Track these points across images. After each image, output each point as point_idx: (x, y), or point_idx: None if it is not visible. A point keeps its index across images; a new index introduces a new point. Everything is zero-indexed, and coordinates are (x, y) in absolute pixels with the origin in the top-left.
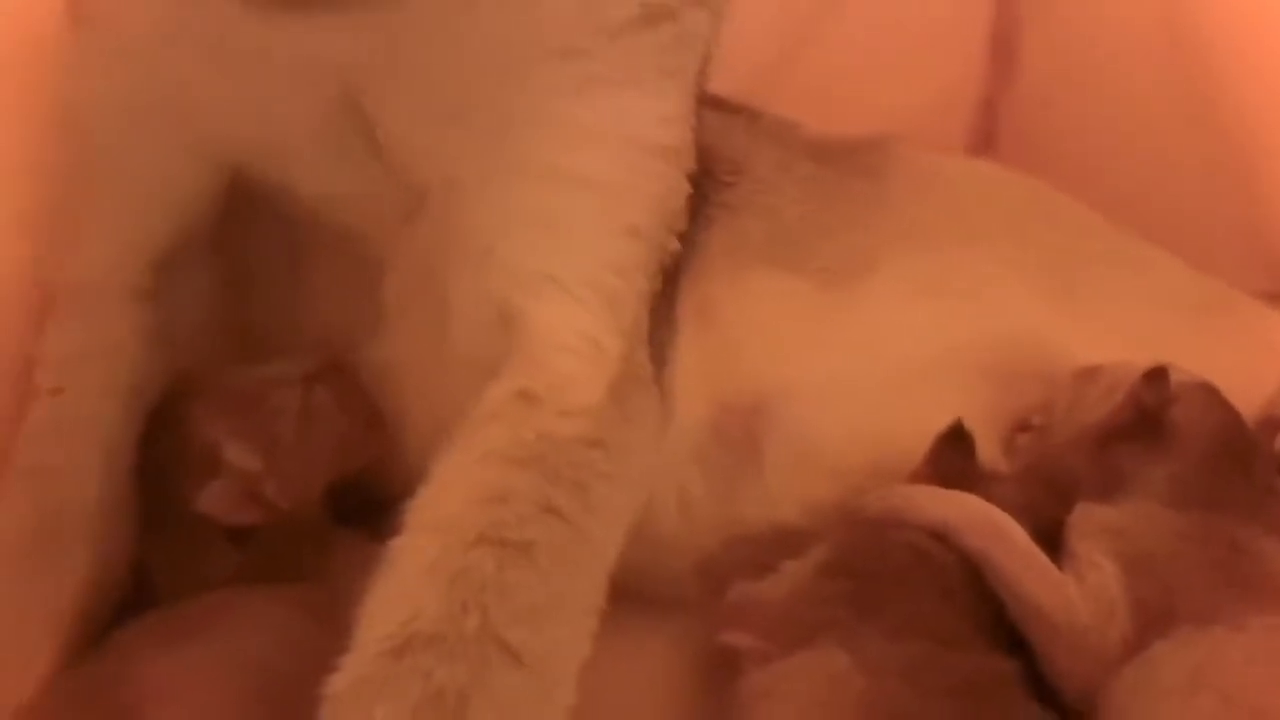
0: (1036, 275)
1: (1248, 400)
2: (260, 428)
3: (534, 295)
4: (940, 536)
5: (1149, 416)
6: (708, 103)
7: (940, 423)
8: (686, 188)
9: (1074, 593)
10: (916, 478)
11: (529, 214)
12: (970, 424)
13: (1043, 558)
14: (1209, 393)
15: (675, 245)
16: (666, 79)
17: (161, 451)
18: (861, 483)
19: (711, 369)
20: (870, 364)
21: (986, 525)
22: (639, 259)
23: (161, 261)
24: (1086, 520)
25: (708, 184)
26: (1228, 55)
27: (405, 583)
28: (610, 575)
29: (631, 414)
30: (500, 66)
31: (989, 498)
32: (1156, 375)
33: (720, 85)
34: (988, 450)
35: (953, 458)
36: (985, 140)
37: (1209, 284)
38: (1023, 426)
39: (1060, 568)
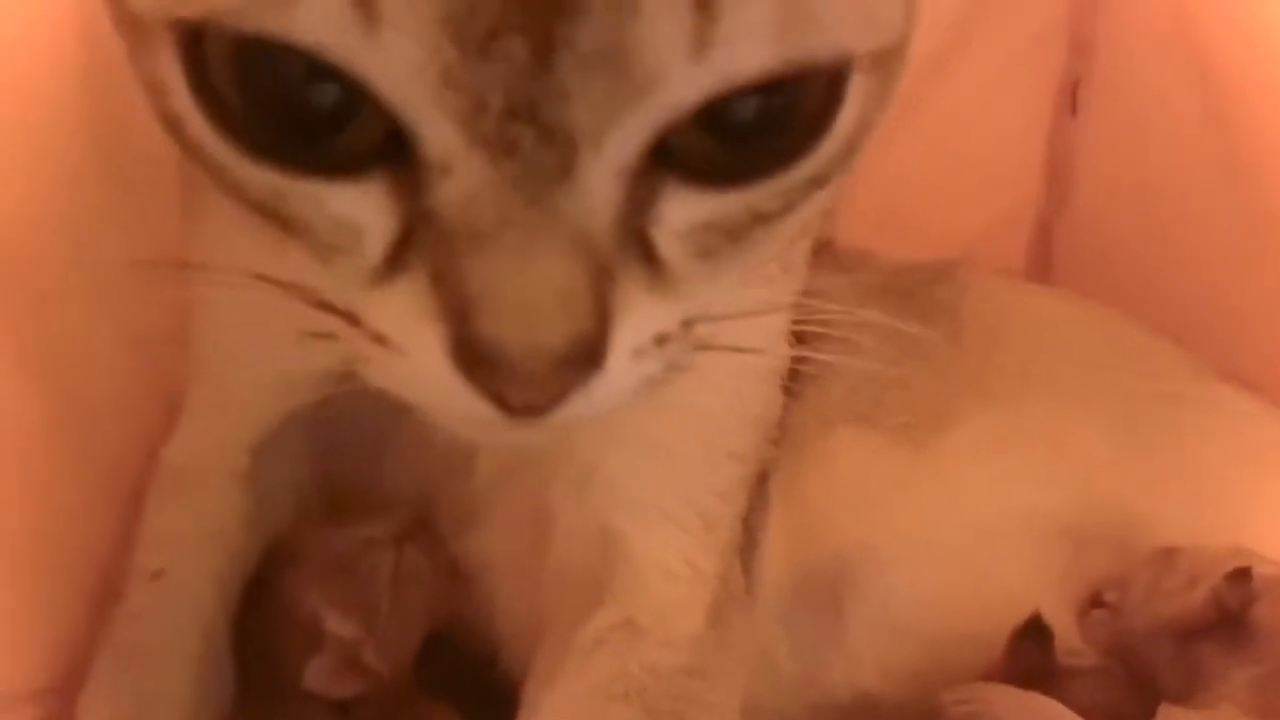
0: (1112, 427)
1: None
2: (357, 594)
3: (637, 519)
4: None
5: (1231, 616)
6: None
7: (1019, 587)
8: (781, 398)
9: None
10: (995, 673)
11: (633, 438)
12: (1045, 591)
13: None
14: None
15: (773, 454)
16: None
17: (260, 622)
18: (941, 647)
19: (796, 532)
20: (951, 524)
21: None
22: (741, 480)
23: (262, 442)
24: None
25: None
26: None
27: None
28: None
29: (728, 637)
30: None
31: (1067, 694)
32: (1239, 576)
33: None
34: (1061, 616)
35: (1031, 652)
36: (1043, 261)
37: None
38: (1097, 601)
39: None
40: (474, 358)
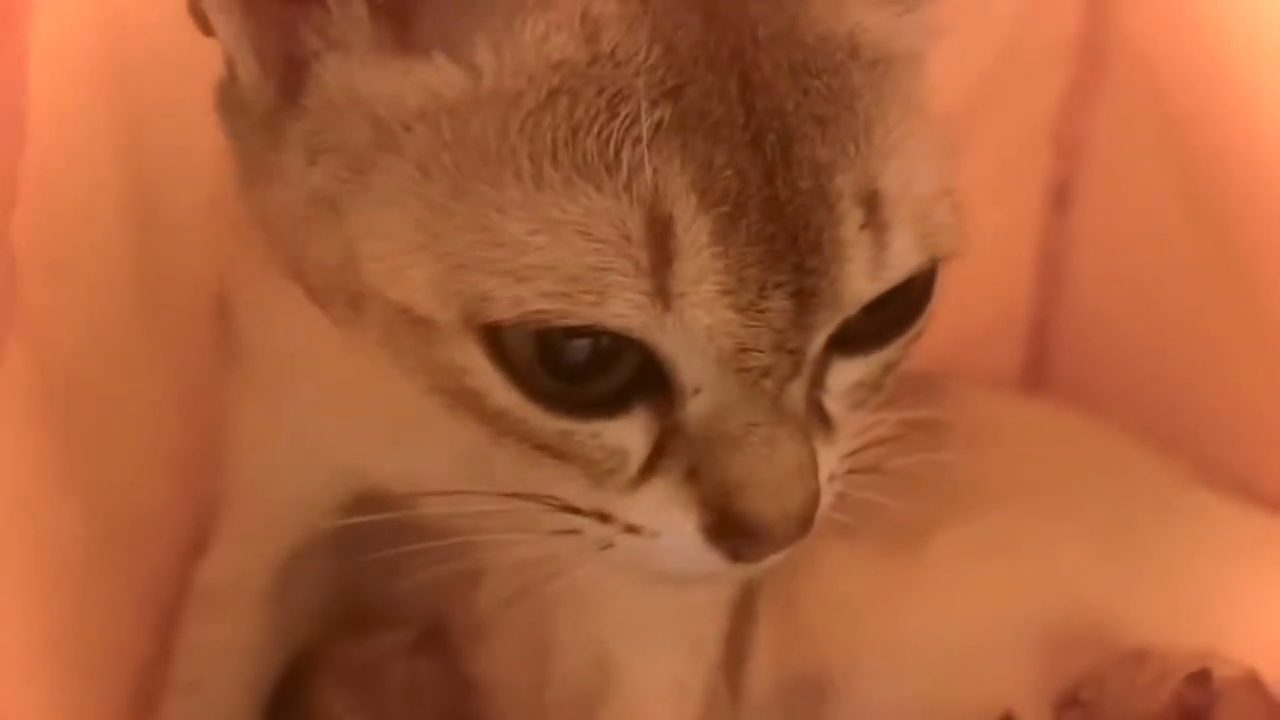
0: (1093, 535)
1: None
2: (374, 701)
3: (629, 642)
4: None
5: (1193, 715)
6: None
7: (999, 691)
8: None
9: None
10: None
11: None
12: (1023, 694)
13: None
14: (1251, 689)
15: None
16: None
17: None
18: None
19: (783, 641)
20: (932, 632)
21: None
22: (726, 601)
23: (286, 566)
24: None
25: None
26: (1276, 268)
27: None
28: None
29: None
30: None
31: None
32: (1199, 678)
33: None
34: (1040, 717)
35: None
36: (1039, 359)
37: (1261, 521)
38: (1073, 700)
39: None
40: (731, 532)
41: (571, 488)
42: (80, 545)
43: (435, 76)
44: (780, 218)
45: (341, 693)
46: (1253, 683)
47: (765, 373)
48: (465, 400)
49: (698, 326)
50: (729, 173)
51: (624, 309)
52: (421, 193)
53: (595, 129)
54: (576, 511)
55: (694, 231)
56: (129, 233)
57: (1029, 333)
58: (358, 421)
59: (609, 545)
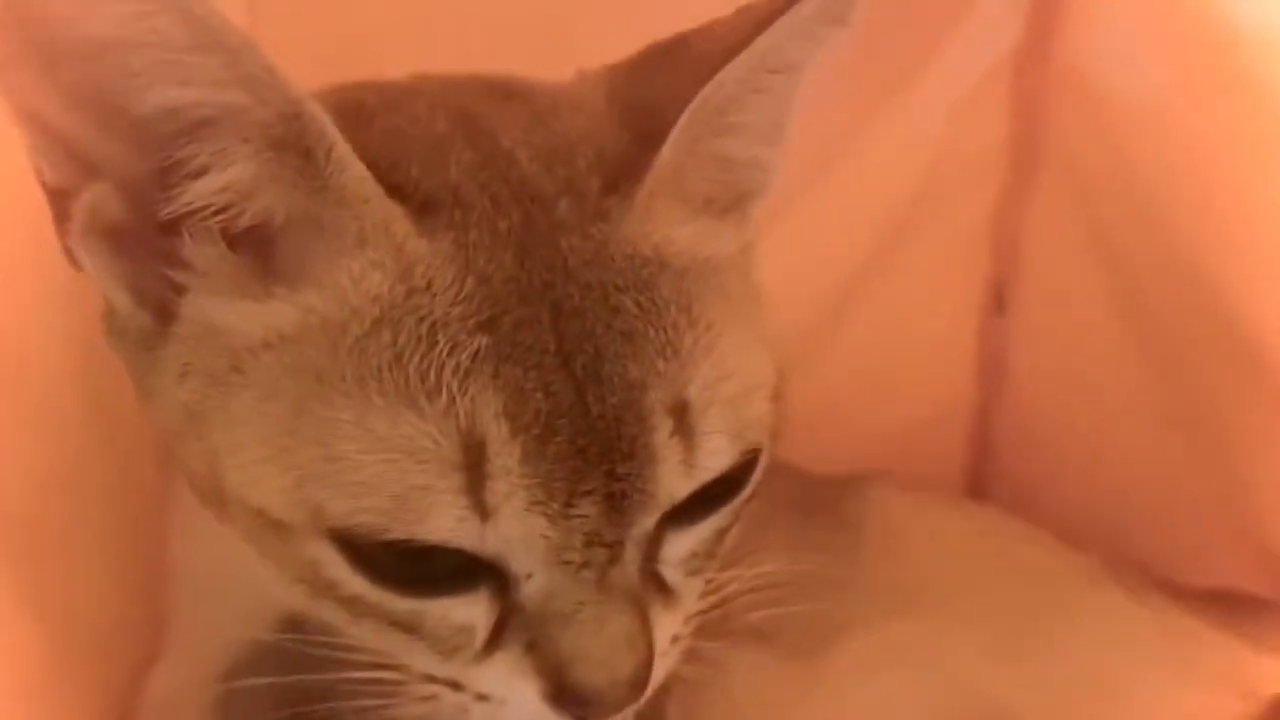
0: (993, 638)
1: None
2: None
3: None
4: None
5: None
6: None
7: None
8: None
9: None
10: None
11: None
12: None
13: None
14: None
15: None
16: None
17: None
18: None
19: None
20: None
21: None
22: None
23: (229, 674)
24: None
25: None
26: (1202, 360)
27: None
28: None
29: None
30: None
31: None
32: None
33: None
34: None
35: None
36: (982, 450)
37: (1166, 623)
38: None
39: None
40: (568, 700)
41: (426, 659)
42: (37, 662)
43: (276, 311)
44: (592, 431)
45: None
46: None
47: (584, 564)
48: (324, 589)
49: (512, 533)
50: (539, 396)
51: (445, 524)
52: (267, 411)
53: (416, 357)
54: (433, 679)
55: (504, 455)
56: (78, 374)
57: (971, 426)
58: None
59: (464, 710)
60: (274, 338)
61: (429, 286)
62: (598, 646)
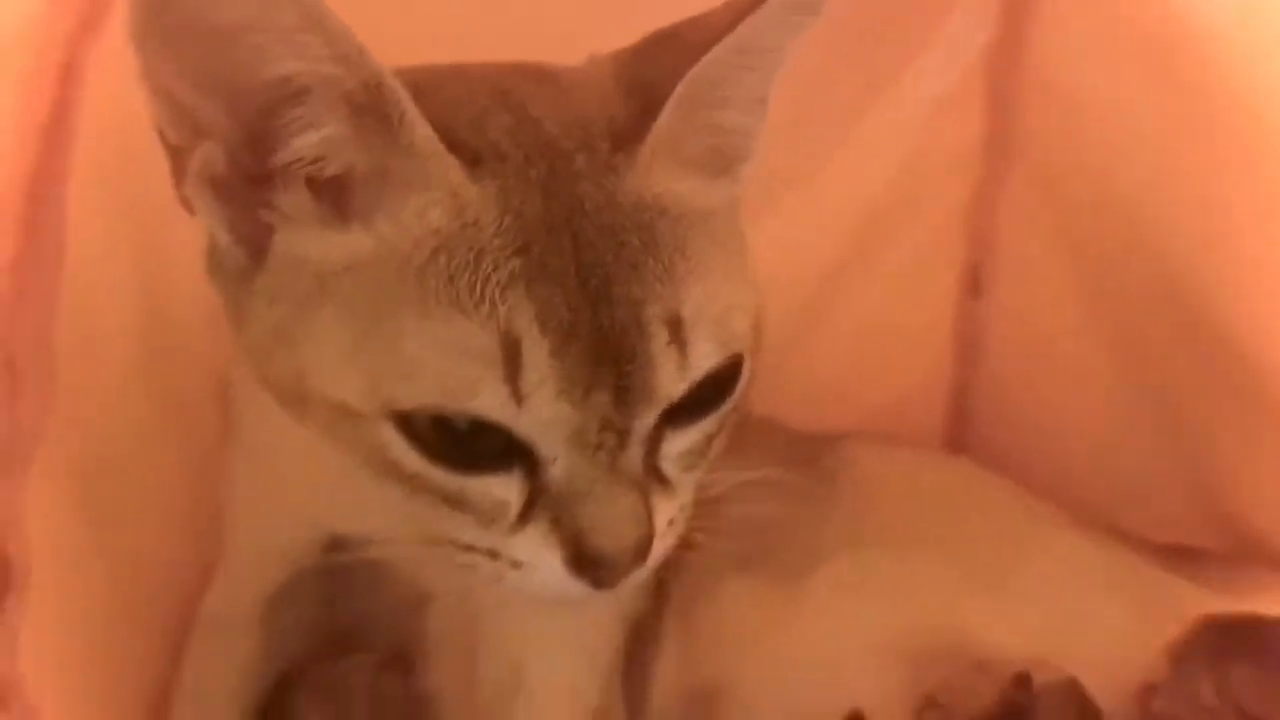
0: (957, 568)
1: (1136, 661)
2: (343, 711)
3: (537, 653)
4: None
5: (1016, 710)
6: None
7: (870, 701)
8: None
9: None
10: None
11: None
12: (887, 702)
13: None
14: (1070, 691)
15: (648, 602)
16: None
17: None
18: None
19: (683, 663)
20: (809, 652)
21: None
22: (617, 618)
23: (276, 594)
24: None
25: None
26: (1162, 339)
27: None
28: None
29: None
30: None
31: None
32: (1021, 680)
33: None
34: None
35: None
36: (960, 424)
37: (1115, 559)
38: (931, 704)
39: None
40: (586, 564)
41: (468, 532)
42: (105, 600)
43: (353, 242)
44: (603, 338)
45: (314, 703)
46: (1070, 686)
47: (598, 446)
48: (388, 468)
49: (542, 416)
50: (562, 308)
51: (489, 404)
52: (346, 323)
53: (465, 275)
54: (473, 550)
55: (536, 351)
56: (143, 332)
57: (949, 401)
58: (322, 485)
59: (500, 577)
60: (352, 263)
61: (476, 222)
62: (609, 518)
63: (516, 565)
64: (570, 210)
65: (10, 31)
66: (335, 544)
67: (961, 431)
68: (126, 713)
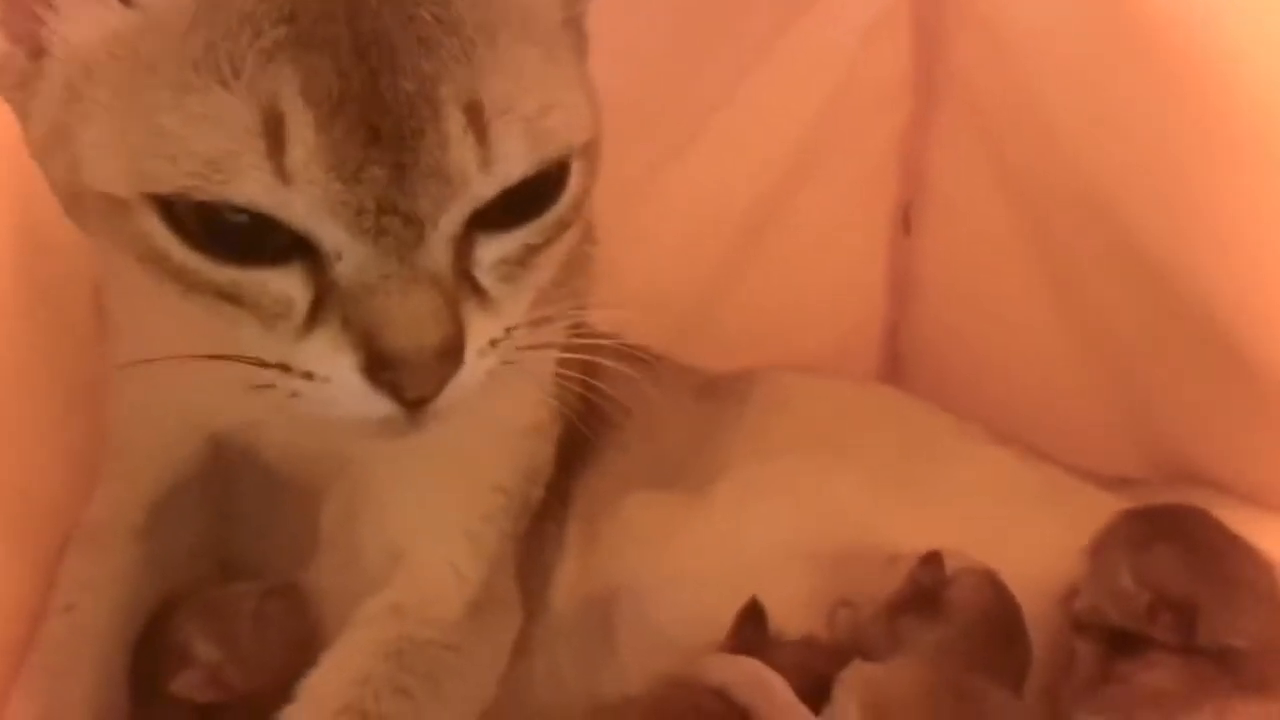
0: (869, 472)
1: (1061, 568)
2: (222, 629)
3: (416, 536)
4: (723, 693)
5: (926, 592)
6: (614, 354)
7: (776, 603)
8: (550, 449)
9: None
10: (723, 647)
11: (418, 478)
12: (797, 604)
13: (797, 705)
14: (983, 576)
15: (539, 493)
16: (525, 378)
17: (148, 649)
18: (701, 654)
19: (585, 570)
20: (714, 557)
21: (755, 682)
22: (503, 508)
23: (157, 504)
24: (851, 674)
25: (601, 425)
26: (1097, 273)
27: None
28: None
29: (485, 628)
30: None
31: (775, 660)
32: (930, 559)
33: (653, 328)
34: (810, 621)
35: (749, 630)
36: (894, 363)
37: (1041, 472)
38: (842, 602)
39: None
40: (382, 366)
41: (256, 341)
42: None
43: (116, 17)
44: (385, 112)
45: (196, 621)
46: (986, 573)
47: (381, 232)
48: (158, 260)
49: (313, 196)
50: (333, 78)
51: (250, 187)
52: (111, 105)
53: (226, 44)
54: (265, 365)
55: (300, 125)
56: (19, 259)
57: (883, 338)
58: (194, 378)
59: (295, 394)
60: (116, 40)
61: None
62: (403, 313)
63: (310, 377)
64: None
65: None
66: (217, 446)
67: (897, 372)
68: (8, 645)
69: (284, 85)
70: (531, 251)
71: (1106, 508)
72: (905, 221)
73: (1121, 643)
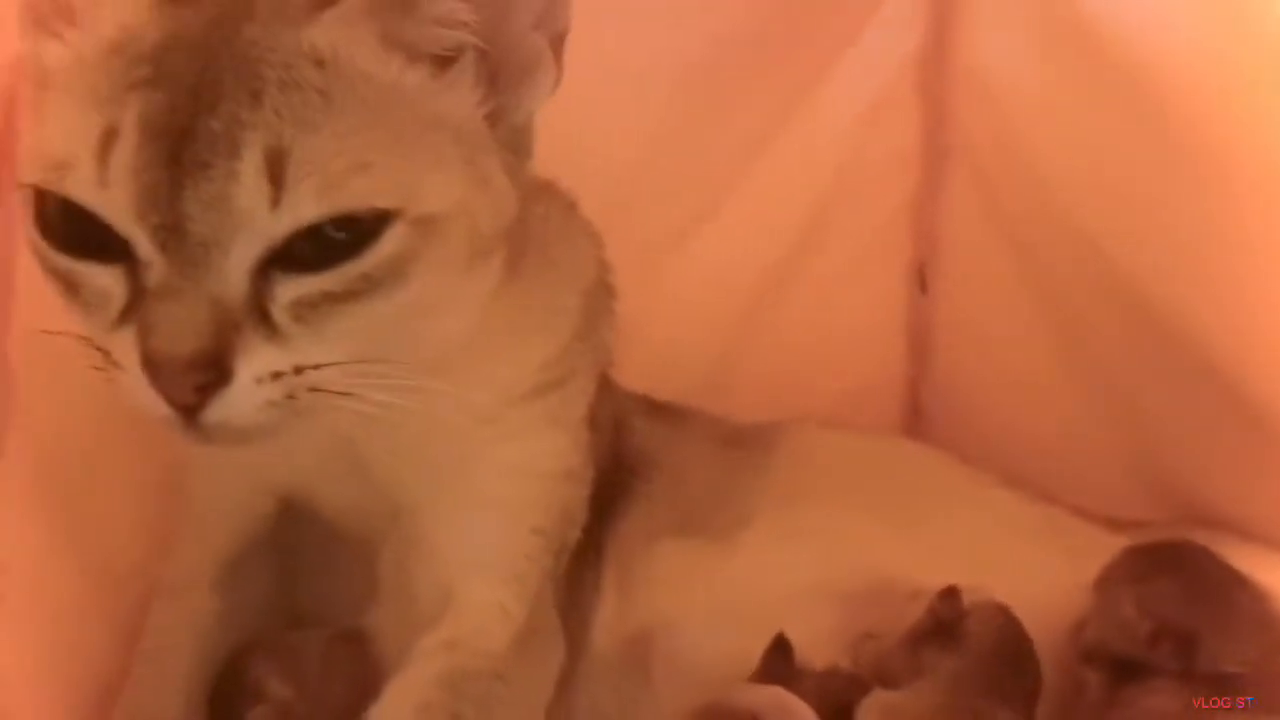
0: (888, 517)
1: (1069, 604)
2: (293, 669)
3: (465, 576)
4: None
5: (944, 624)
6: (643, 410)
7: (799, 641)
8: (585, 493)
9: None
10: (752, 678)
11: (463, 526)
12: (820, 641)
13: None
14: (997, 609)
15: (576, 534)
16: (557, 427)
17: (226, 693)
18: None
19: (621, 613)
20: (742, 596)
21: (782, 707)
22: (542, 548)
23: (231, 560)
24: (871, 701)
25: (630, 478)
26: (1102, 326)
27: None
28: None
29: (531, 659)
30: (443, 433)
31: (801, 689)
32: (949, 593)
33: (678, 384)
34: (831, 654)
35: (777, 660)
36: (915, 416)
37: (1049, 514)
38: (868, 636)
39: None
40: (146, 366)
41: (89, 323)
42: (74, 595)
43: (60, 49)
44: (190, 143)
45: (269, 663)
46: (1000, 607)
47: (172, 247)
48: (30, 244)
49: (124, 202)
50: (163, 112)
51: (80, 186)
52: (39, 114)
53: (103, 74)
54: (98, 349)
55: (127, 142)
56: None
57: (903, 392)
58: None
59: (112, 380)
60: (59, 65)
61: (141, 35)
62: (165, 319)
63: (118, 366)
64: (226, 37)
65: None
66: (283, 506)
67: (918, 423)
68: (95, 707)
69: (127, 111)
70: (331, 299)
71: (1111, 546)
72: (921, 280)
73: (1126, 671)
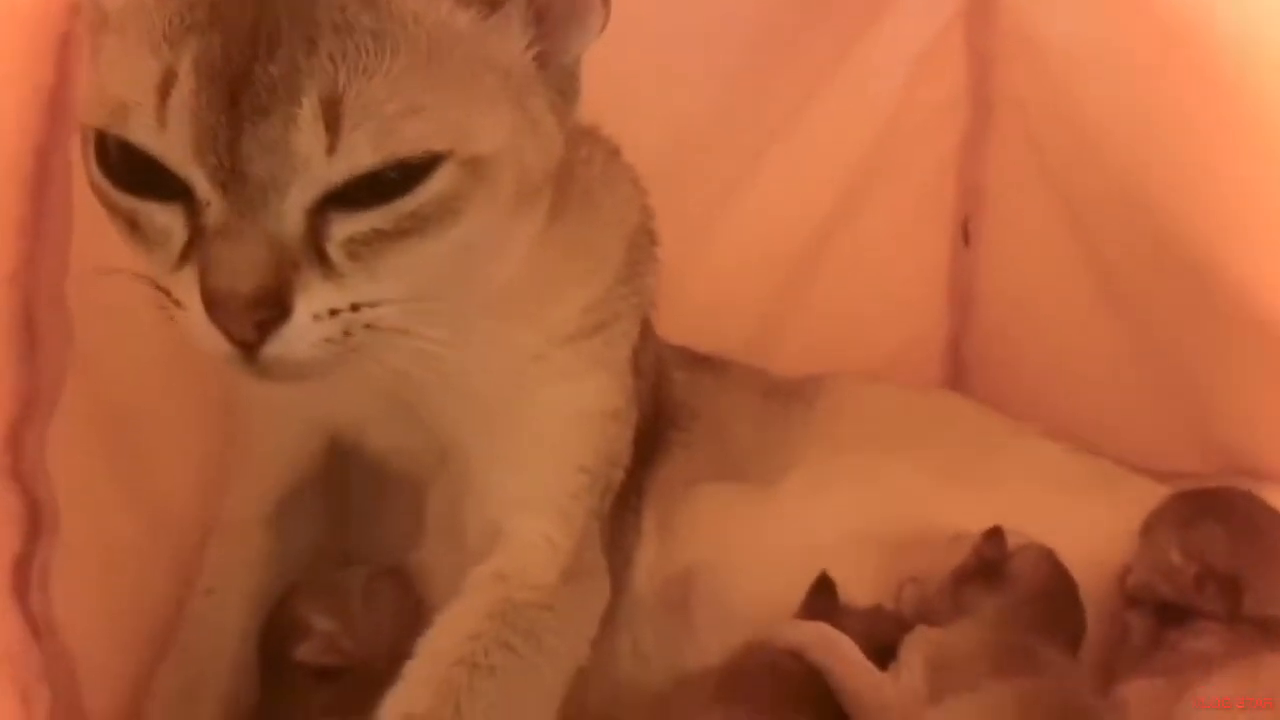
0: (930, 467)
1: (1114, 550)
2: (335, 604)
3: (513, 513)
4: (797, 654)
5: (989, 564)
6: (684, 362)
7: (840, 583)
8: (629, 434)
9: (885, 682)
10: (797, 615)
11: (511, 464)
12: (863, 585)
13: (865, 662)
14: (1042, 552)
15: (620, 475)
16: (602, 368)
17: (275, 628)
18: None
19: (663, 554)
20: (784, 541)
21: (826, 643)
22: (588, 486)
23: (283, 499)
24: (916, 637)
25: (669, 428)
26: (1149, 277)
27: (410, 687)
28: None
29: (578, 593)
30: (492, 372)
31: (845, 626)
32: (993, 534)
33: (722, 340)
34: (875, 596)
35: (821, 598)
36: (957, 372)
37: (1093, 464)
38: (910, 579)
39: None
40: (208, 304)
41: (149, 260)
42: (130, 543)
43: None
44: (248, 89)
45: (312, 600)
46: (1045, 550)
47: (231, 187)
48: (92, 184)
49: (182, 144)
50: (218, 56)
51: (140, 130)
52: (97, 57)
53: (159, 17)
54: (157, 288)
55: (184, 86)
56: None
57: (946, 347)
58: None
59: (173, 319)
60: (115, 12)
61: None
62: (226, 258)
63: (180, 305)
64: None
65: (13, 5)
66: (333, 446)
67: (961, 379)
68: (153, 645)
69: (184, 54)
70: (382, 237)
71: (1155, 494)
72: (965, 234)
73: (1170, 615)
